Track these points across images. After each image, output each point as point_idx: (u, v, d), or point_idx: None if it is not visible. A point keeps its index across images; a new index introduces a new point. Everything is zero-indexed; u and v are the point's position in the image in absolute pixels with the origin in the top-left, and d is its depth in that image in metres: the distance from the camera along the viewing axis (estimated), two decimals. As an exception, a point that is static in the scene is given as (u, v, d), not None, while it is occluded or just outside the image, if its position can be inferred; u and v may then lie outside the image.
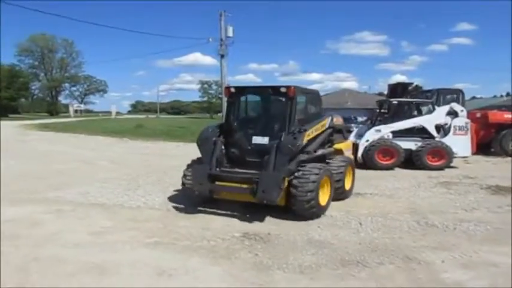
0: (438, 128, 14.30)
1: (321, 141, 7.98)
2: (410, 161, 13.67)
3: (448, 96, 17.48)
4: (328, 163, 7.91)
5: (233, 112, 7.69)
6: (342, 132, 9.36)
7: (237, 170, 7.15)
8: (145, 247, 5.51)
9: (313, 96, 8.34)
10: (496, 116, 18.39)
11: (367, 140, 13.84)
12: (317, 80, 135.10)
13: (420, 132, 14.22)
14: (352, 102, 50.52)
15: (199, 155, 7.53)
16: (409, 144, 13.82)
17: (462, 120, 14.37)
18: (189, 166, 7.62)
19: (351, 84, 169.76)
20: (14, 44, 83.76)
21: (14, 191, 8.87)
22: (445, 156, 13.54)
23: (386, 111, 15.18)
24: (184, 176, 7.60)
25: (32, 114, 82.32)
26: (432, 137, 14.07)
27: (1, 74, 65.33)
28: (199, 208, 7.35)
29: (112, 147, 20.55)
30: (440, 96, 17.62)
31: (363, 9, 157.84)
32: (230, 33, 32.92)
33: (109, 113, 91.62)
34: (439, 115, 14.31)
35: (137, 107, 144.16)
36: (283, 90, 7.06)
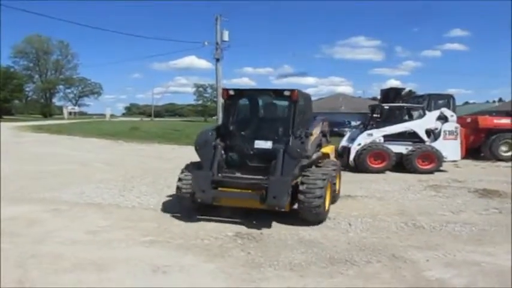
0: (428, 132, 14.58)
1: (315, 145, 8.05)
2: (401, 165, 13.93)
3: (439, 102, 17.74)
4: (319, 167, 7.94)
5: (232, 115, 7.40)
6: (326, 135, 9.38)
7: (240, 175, 6.90)
8: (141, 245, 5.68)
9: (308, 99, 8.46)
10: (485, 121, 18.70)
11: (359, 144, 14.07)
12: (312, 84, 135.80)
13: (411, 136, 14.48)
14: (346, 107, 50.94)
15: (194, 158, 7.39)
16: (400, 148, 14.08)
17: (452, 125, 14.65)
18: (184, 170, 7.21)
19: (345, 88, 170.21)
20: (9, 46, 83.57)
21: (10, 191, 9.00)
22: (435, 160, 13.81)
23: (378, 115, 15.43)
24: (180, 180, 7.07)
25: (26, 115, 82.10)
26: (423, 141, 14.34)
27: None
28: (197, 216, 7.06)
29: (107, 149, 20.68)
30: (431, 101, 17.89)
31: (358, 14, 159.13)
32: (226, 38, 33.23)
33: (103, 115, 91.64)
34: (429, 120, 14.60)
35: (132, 110, 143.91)
36: (286, 93, 6.88)
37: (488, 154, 17.95)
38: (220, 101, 37.03)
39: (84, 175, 11.60)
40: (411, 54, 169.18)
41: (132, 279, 4.53)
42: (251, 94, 7.70)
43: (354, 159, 13.94)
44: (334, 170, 8.08)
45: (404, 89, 17.76)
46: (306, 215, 6.58)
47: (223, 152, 7.04)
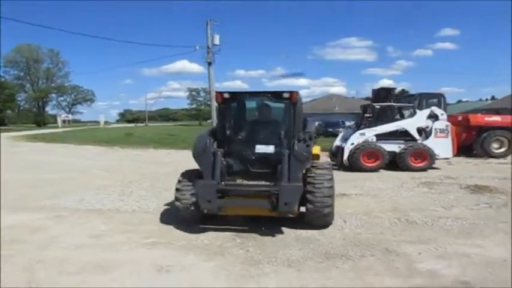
0: (420, 131, 14.85)
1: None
2: (394, 163, 14.19)
3: (430, 100, 18.09)
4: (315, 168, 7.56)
5: (228, 119, 7.00)
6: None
7: (245, 182, 6.59)
8: (143, 247, 5.86)
9: (300, 101, 8.51)
10: (476, 119, 19.00)
11: (352, 143, 14.32)
12: (305, 85, 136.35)
13: (403, 135, 14.75)
14: (339, 107, 51.29)
15: (190, 162, 7.05)
16: (393, 147, 14.34)
17: (443, 123, 14.94)
18: (181, 180, 6.75)
19: (338, 89, 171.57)
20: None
21: (11, 199, 9.15)
22: (427, 158, 14.08)
23: (370, 115, 15.71)
24: (178, 191, 6.65)
25: (19, 125, 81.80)
26: (414, 139, 14.61)
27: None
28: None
29: (103, 156, 20.79)
30: (422, 100, 18.24)
31: (349, 15, 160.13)
32: (217, 41, 33.49)
33: (97, 122, 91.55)
34: (420, 118, 14.88)
35: (125, 116, 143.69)
36: (286, 95, 6.57)
37: (480, 151, 18.24)
38: (214, 104, 37.37)
39: (83, 182, 11.74)
40: (403, 53, 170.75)
41: (136, 279, 4.72)
42: (247, 97, 7.22)
43: (348, 158, 14.19)
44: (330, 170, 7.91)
45: (395, 88, 18.09)
46: (315, 219, 6.45)
47: (223, 159, 6.61)
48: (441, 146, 14.57)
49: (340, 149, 14.70)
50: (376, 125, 14.77)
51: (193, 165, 6.79)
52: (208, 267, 5.05)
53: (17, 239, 6.20)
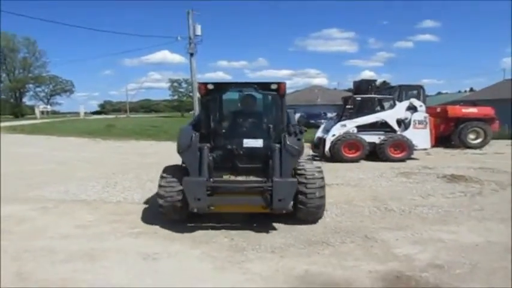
0: (399, 122, 15.21)
1: None
2: (374, 154, 14.52)
3: (410, 92, 18.41)
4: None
5: (212, 112, 6.65)
6: None
7: (234, 178, 6.33)
8: (129, 236, 6.00)
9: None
10: (454, 110, 19.45)
11: (334, 135, 14.59)
12: (287, 77, 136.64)
13: (383, 126, 15.09)
14: (322, 99, 51.63)
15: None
16: (373, 138, 14.66)
17: (421, 114, 15.32)
18: (165, 176, 6.30)
19: (320, 80, 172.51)
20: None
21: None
22: (406, 148, 14.45)
23: (351, 107, 16.00)
24: (162, 187, 6.20)
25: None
26: (394, 130, 14.96)
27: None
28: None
29: (85, 147, 20.69)
30: (402, 92, 18.52)
31: (329, 5, 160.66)
32: (198, 32, 33.22)
33: (77, 113, 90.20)
34: (399, 110, 15.22)
35: (106, 107, 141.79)
36: (274, 86, 6.23)
37: (458, 142, 18.71)
38: (197, 95, 37.29)
39: (66, 174, 11.74)
40: (384, 45, 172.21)
41: (124, 266, 4.85)
42: (233, 88, 6.77)
43: (329, 149, 14.47)
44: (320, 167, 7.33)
45: (376, 80, 18.38)
46: (306, 215, 6.32)
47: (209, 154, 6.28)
48: (419, 137, 14.95)
49: (322, 140, 14.96)
50: (357, 117, 15.07)
51: (177, 156, 6.70)
52: (194, 255, 5.22)
53: (5, 230, 6.25)
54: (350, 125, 14.83)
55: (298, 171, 6.22)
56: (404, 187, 9.66)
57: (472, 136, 18.84)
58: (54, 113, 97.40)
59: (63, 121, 56.93)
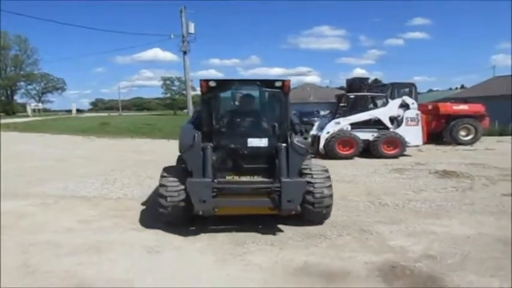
0: (392, 119, 15.46)
1: None
2: (368, 151, 14.76)
3: (402, 90, 18.67)
4: None
5: (214, 110, 6.30)
6: None
7: (238, 179, 6.10)
8: (132, 231, 6.14)
9: None
10: (445, 107, 19.74)
11: (328, 132, 14.81)
12: (280, 75, 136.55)
13: (376, 123, 15.34)
14: (314, 97, 51.95)
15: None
16: (367, 135, 14.90)
17: (413, 112, 15.59)
18: (165, 175, 6.13)
19: (312, 78, 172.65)
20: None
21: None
22: (399, 145, 14.71)
23: (345, 104, 16.22)
24: (163, 187, 5.98)
25: (-14, 114, 79.47)
26: (387, 128, 15.20)
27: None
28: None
29: (80, 145, 20.71)
30: (394, 89, 18.80)
31: (320, 3, 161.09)
32: (192, 30, 33.17)
33: (69, 111, 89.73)
34: (392, 108, 15.48)
35: (98, 105, 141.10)
36: (278, 84, 6.04)
37: (449, 139, 19.01)
38: (190, 93, 37.38)
39: (64, 171, 11.83)
40: (375, 43, 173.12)
41: (129, 258, 5.01)
42: (236, 85, 6.53)
43: (324, 146, 14.68)
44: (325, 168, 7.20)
45: (368, 78, 18.65)
46: (314, 216, 6.22)
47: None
48: (412, 134, 15.22)
49: (316, 138, 15.15)
50: (350, 114, 15.29)
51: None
52: (196, 248, 5.38)
53: (8, 225, 6.38)
54: (344, 123, 15.06)
55: (304, 171, 6.12)
56: (397, 183, 9.89)
57: (463, 133, 19.14)
58: (45, 110, 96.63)
59: (55, 119, 56.53)
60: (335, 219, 6.66)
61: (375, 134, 14.87)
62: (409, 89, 17.86)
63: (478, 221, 6.53)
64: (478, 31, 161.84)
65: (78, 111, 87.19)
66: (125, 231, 6.10)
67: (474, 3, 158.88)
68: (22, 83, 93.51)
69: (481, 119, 19.54)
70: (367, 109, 15.73)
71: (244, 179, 6.08)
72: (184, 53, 32.70)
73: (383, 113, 15.39)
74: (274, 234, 5.86)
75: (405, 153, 15.00)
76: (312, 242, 5.54)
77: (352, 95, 15.96)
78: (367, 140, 14.84)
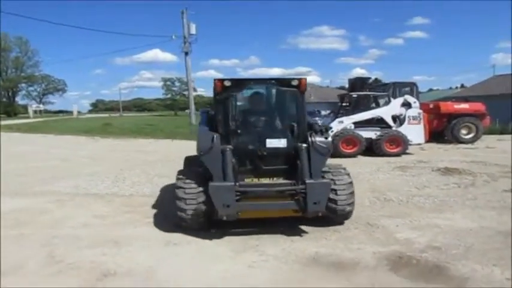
0: (394, 118, 15.72)
1: None
2: (371, 149, 15.01)
3: (403, 89, 18.96)
4: None
5: (230, 111, 6.10)
6: None
7: (262, 181, 5.96)
8: (147, 226, 6.38)
9: None
10: (447, 106, 19.97)
11: (332, 131, 15.03)
12: (279, 75, 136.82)
13: (379, 122, 15.61)
14: (315, 97, 51.94)
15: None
16: (370, 134, 15.16)
17: (415, 110, 15.86)
18: (182, 177, 6.02)
19: (312, 78, 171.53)
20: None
21: (7, 186, 9.46)
22: (401, 143, 14.96)
23: (347, 104, 16.48)
24: (181, 189, 5.77)
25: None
26: (389, 126, 15.47)
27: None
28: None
29: (85, 145, 20.95)
30: (396, 89, 19.09)
31: (320, 3, 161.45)
32: (193, 31, 33.37)
33: (69, 112, 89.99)
34: (394, 106, 15.75)
35: (98, 106, 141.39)
36: (295, 82, 5.97)
37: (450, 137, 19.22)
38: (192, 94, 37.55)
39: (73, 170, 12.07)
40: (375, 42, 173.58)
41: (148, 250, 5.25)
42: (251, 85, 6.35)
43: (327, 145, 14.87)
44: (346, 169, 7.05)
45: (370, 78, 18.92)
46: (337, 217, 6.15)
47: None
48: (414, 132, 15.49)
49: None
50: (353, 113, 15.55)
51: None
52: (212, 240, 5.59)
53: (28, 220, 6.64)
54: (347, 122, 15.31)
55: (324, 173, 5.99)
56: (401, 180, 10.12)
57: (464, 131, 19.35)
58: (46, 112, 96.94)
59: (57, 120, 56.92)
60: (342, 214, 6.88)
61: (378, 133, 15.11)
62: (411, 88, 18.14)
63: (480, 215, 6.76)
64: (478, 30, 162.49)
65: (78, 112, 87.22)
66: (140, 226, 6.35)
67: (474, 3, 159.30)
68: (23, 85, 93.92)
69: (482, 117, 19.76)
70: (369, 108, 15.99)
71: (263, 181, 5.95)
72: (186, 54, 32.91)
73: (385, 111, 15.65)
74: (285, 228, 6.06)
75: (407, 151, 15.24)
76: (321, 235, 5.77)
77: (355, 95, 16.22)
78: (370, 139, 15.08)
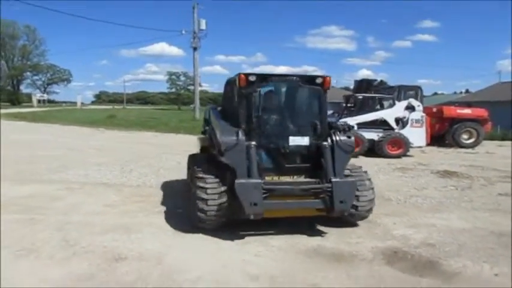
0: (397, 120, 15.98)
1: None
2: (373, 150, 15.27)
3: (408, 92, 19.14)
4: None
5: (253, 107, 5.82)
6: None
7: (279, 180, 5.86)
8: (156, 214, 6.68)
9: None
10: (449, 111, 20.15)
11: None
12: (285, 73, 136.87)
13: (382, 124, 15.86)
14: (319, 96, 52.11)
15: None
16: (372, 135, 15.41)
17: (418, 114, 16.10)
18: (201, 172, 5.78)
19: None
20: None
21: (16, 173, 9.76)
22: (403, 146, 15.22)
23: (352, 105, 16.74)
24: (203, 200, 5.50)
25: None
26: (392, 128, 15.73)
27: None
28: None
29: (92, 136, 21.32)
30: (401, 92, 19.22)
31: (329, 3, 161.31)
32: (203, 26, 33.69)
33: (73, 103, 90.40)
34: (398, 109, 15.99)
35: (101, 97, 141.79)
36: (319, 80, 5.92)
37: (451, 141, 19.40)
38: (198, 89, 37.86)
39: (81, 160, 12.39)
40: (383, 44, 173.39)
41: (157, 237, 5.55)
42: (275, 81, 6.21)
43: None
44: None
45: (376, 80, 19.14)
46: (356, 218, 6.20)
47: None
48: (416, 135, 15.74)
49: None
50: (358, 114, 15.80)
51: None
52: (219, 231, 5.80)
53: (41, 206, 6.94)
54: (351, 122, 15.50)
55: (349, 175, 5.98)
56: (400, 180, 10.40)
57: (465, 136, 19.51)
58: (50, 101, 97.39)
59: (61, 110, 57.40)
60: (342, 210, 7.15)
61: (380, 134, 15.37)
62: (415, 91, 18.30)
63: (475, 216, 7.03)
64: (485, 36, 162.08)
65: (82, 103, 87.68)
66: (149, 215, 6.64)
67: (484, 7, 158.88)
68: (28, 73, 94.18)
69: (484, 123, 19.93)
70: (374, 110, 16.25)
71: (283, 179, 5.88)
72: (195, 49, 33.21)
73: (389, 114, 15.91)
74: (289, 223, 6.22)
75: (408, 153, 15.50)
76: (323, 230, 6.04)
77: (360, 96, 16.48)
78: (373, 140, 15.33)
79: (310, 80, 6.02)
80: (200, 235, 5.68)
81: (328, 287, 4.24)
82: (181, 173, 9.09)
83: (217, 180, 5.61)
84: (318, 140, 5.92)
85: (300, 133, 5.99)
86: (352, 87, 20.33)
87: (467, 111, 20.08)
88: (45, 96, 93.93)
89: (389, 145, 15.19)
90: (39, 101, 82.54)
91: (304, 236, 5.76)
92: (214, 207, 5.49)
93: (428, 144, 16.85)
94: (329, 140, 5.87)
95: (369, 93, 16.69)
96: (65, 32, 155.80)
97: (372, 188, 6.18)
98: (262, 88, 6.00)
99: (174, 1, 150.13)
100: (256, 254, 5.05)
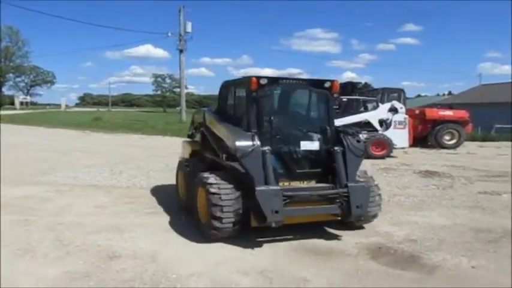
0: (381, 122, 16.32)
1: None
2: (357, 151, 15.51)
3: (391, 95, 19.54)
4: None
5: (264, 110, 5.76)
6: None
7: (290, 185, 5.71)
8: (147, 215, 6.83)
9: None
10: (432, 113, 20.58)
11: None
12: (295, 77, 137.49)
13: (366, 126, 16.18)
14: (304, 98, 52.57)
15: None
16: (357, 137, 15.66)
17: (401, 116, 16.47)
18: (218, 193, 5.32)
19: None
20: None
21: (6, 175, 9.77)
22: (386, 147, 15.55)
23: (337, 107, 17.02)
24: (215, 195, 5.30)
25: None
26: (376, 130, 16.07)
27: None
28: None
29: (78, 139, 21.25)
30: (384, 94, 19.61)
31: (314, 5, 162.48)
32: (189, 29, 33.69)
33: (57, 105, 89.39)
34: (382, 111, 16.34)
35: (86, 100, 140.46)
36: (327, 84, 5.89)
37: (434, 142, 19.80)
38: (184, 91, 37.90)
39: (69, 162, 12.43)
40: (367, 47, 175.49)
41: (150, 236, 5.70)
42: (286, 84, 6.08)
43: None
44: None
45: (360, 82, 19.50)
46: (361, 223, 6.18)
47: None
48: (399, 136, 16.10)
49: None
50: (342, 116, 16.06)
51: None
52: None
53: (32, 207, 7.02)
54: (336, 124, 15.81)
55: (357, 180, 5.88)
56: (384, 180, 10.64)
57: (447, 137, 19.93)
58: (33, 104, 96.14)
59: (45, 113, 56.79)
60: (328, 209, 7.39)
61: (364, 136, 15.65)
62: (398, 94, 18.70)
63: (455, 214, 7.33)
64: (467, 39, 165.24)
65: (66, 106, 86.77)
66: (140, 215, 6.79)
67: (466, 12, 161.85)
68: (11, 75, 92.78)
69: (465, 124, 20.41)
70: (358, 112, 16.56)
71: (294, 184, 5.78)
72: (181, 51, 33.22)
73: (373, 116, 16.25)
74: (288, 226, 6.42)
75: (392, 154, 15.84)
76: (309, 228, 6.19)
77: (345, 98, 16.78)
78: (357, 141, 15.58)
79: (318, 83, 5.99)
80: (192, 235, 5.82)
81: (316, 280, 4.45)
82: (170, 175, 9.18)
83: (231, 185, 5.42)
84: (327, 144, 5.91)
85: (310, 138, 5.99)
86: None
87: (449, 113, 20.52)
88: (28, 99, 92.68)
89: (373, 146, 15.50)
90: (21, 103, 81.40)
91: (292, 234, 5.94)
92: (230, 213, 5.30)
93: (411, 145, 17.23)
94: (339, 145, 5.85)
95: (353, 96, 17.01)
96: (48, 34, 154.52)
97: (379, 194, 6.25)
98: (273, 91, 6.03)
99: (159, 3, 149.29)
100: (246, 251, 5.24)
